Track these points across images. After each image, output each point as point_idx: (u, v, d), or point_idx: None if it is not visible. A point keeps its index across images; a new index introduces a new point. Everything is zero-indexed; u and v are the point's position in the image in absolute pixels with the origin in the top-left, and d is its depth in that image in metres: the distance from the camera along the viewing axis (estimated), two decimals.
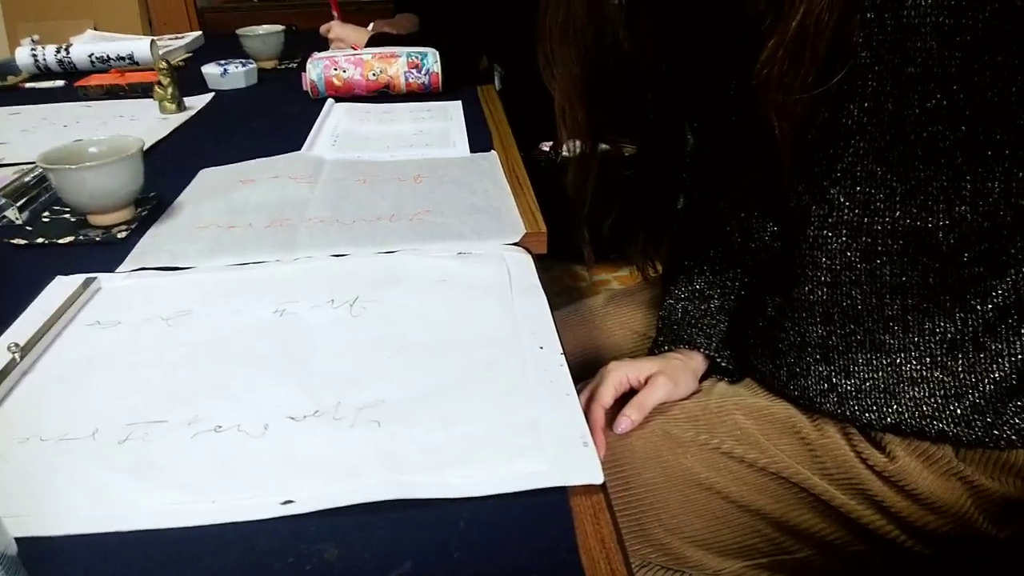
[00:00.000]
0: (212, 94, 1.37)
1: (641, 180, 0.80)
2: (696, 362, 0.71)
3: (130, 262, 0.72)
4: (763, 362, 0.68)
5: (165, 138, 1.12)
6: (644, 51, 0.68)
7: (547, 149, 1.40)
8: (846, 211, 0.55)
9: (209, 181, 0.92)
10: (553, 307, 0.63)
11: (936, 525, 0.60)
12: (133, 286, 0.69)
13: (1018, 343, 0.55)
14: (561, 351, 0.56)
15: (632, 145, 0.79)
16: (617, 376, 0.68)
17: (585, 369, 0.73)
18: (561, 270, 1.29)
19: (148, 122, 1.20)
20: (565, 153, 1.44)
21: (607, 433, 0.66)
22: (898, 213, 0.53)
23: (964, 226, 0.52)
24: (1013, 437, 0.56)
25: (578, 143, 0.74)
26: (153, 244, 0.75)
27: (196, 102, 1.31)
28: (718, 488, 0.63)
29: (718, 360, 0.71)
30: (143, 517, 0.42)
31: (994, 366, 0.56)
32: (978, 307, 0.55)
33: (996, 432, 0.57)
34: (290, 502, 0.43)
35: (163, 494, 0.44)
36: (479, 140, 1.05)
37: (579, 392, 0.69)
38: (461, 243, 0.73)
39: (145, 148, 0.81)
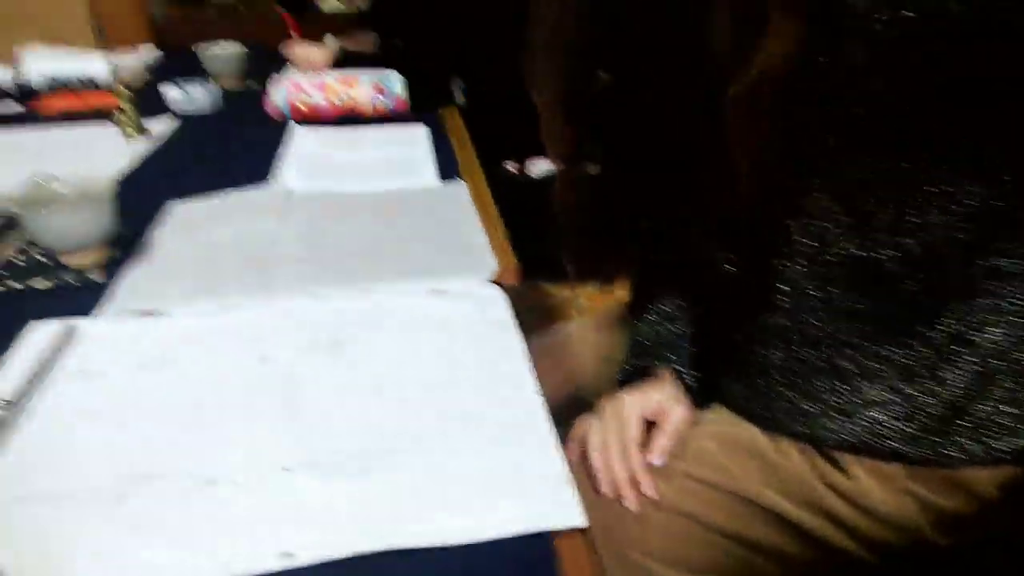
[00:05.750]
0: (173, 117, 1.36)
1: (612, 200, 0.82)
2: (668, 385, 0.74)
3: (108, 308, 0.73)
4: (732, 383, 0.71)
5: (130, 166, 1.12)
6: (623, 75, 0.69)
7: (512, 168, 1.43)
8: (801, 243, 0.59)
9: (179, 217, 0.93)
10: (524, 329, 0.65)
11: (888, 537, 0.65)
12: (113, 333, 0.69)
13: (963, 370, 0.60)
14: (538, 391, 0.59)
15: (606, 164, 0.81)
16: (634, 415, 0.70)
17: (563, 403, 0.75)
18: (528, 287, 1.32)
19: (111, 149, 1.19)
20: (533, 172, 1.47)
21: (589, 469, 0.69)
22: (848, 245, 0.57)
23: (909, 258, 0.56)
24: (958, 455, 0.61)
25: (558, 160, 0.75)
26: (130, 289, 0.76)
27: (158, 126, 1.30)
28: (687, 510, 0.67)
29: (687, 380, 0.74)
30: None
31: (943, 390, 0.60)
32: (928, 335, 0.59)
33: (943, 451, 0.61)
34: (289, 555, 0.45)
35: (165, 553, 0.46)
36: (446, 167, 1.08)
37: (568, 433, 0.71)
38: (435, 280, 0.75)
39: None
